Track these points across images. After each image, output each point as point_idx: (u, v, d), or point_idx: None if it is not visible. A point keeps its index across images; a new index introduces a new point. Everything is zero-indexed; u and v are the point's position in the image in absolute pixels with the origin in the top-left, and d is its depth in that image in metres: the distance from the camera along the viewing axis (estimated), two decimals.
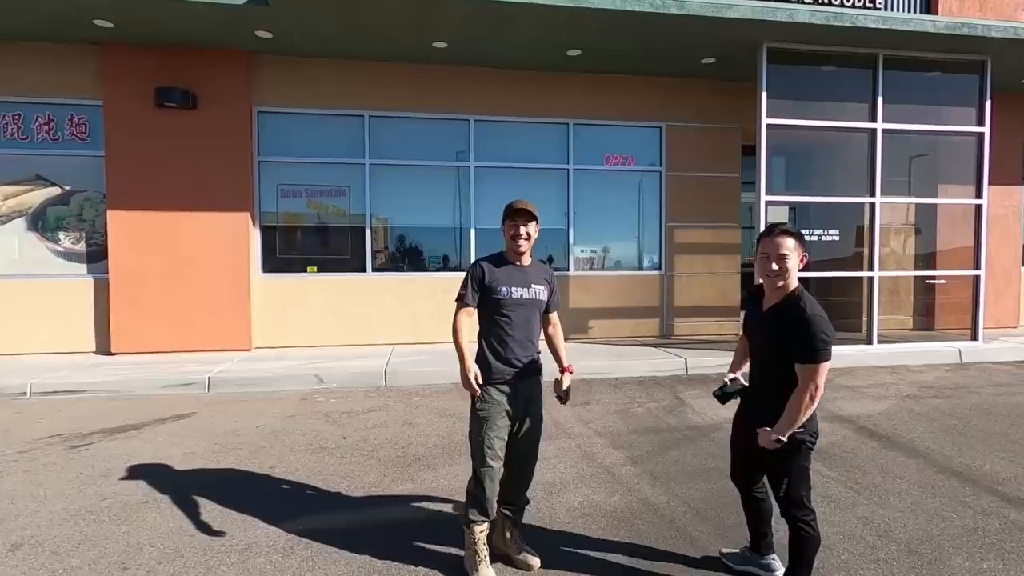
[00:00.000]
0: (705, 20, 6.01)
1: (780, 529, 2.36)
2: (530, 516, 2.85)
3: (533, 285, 2.49)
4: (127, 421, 4.59)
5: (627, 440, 4.16)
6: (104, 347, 6.75)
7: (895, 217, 8.40)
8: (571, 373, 2.65)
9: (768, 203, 6.69)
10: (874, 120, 6.88)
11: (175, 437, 4.20)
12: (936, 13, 7.70)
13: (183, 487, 3.33)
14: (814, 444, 2.16)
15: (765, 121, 6.59)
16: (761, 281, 2.21)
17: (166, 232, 6.70)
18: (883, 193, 6.96)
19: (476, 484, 2.42)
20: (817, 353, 1.96)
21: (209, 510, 3.04)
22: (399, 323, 7.44)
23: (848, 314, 8.11)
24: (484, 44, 6.77)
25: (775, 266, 2.06)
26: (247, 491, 3.29)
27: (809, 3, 6.33)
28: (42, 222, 6.77)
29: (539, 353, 2.58)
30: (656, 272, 8.17)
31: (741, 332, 2.53)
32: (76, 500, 3.16)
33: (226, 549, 2.64)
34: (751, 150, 7.57)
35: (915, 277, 8.64)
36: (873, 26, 6.13)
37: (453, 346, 2.46)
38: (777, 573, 2.41)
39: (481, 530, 2.43)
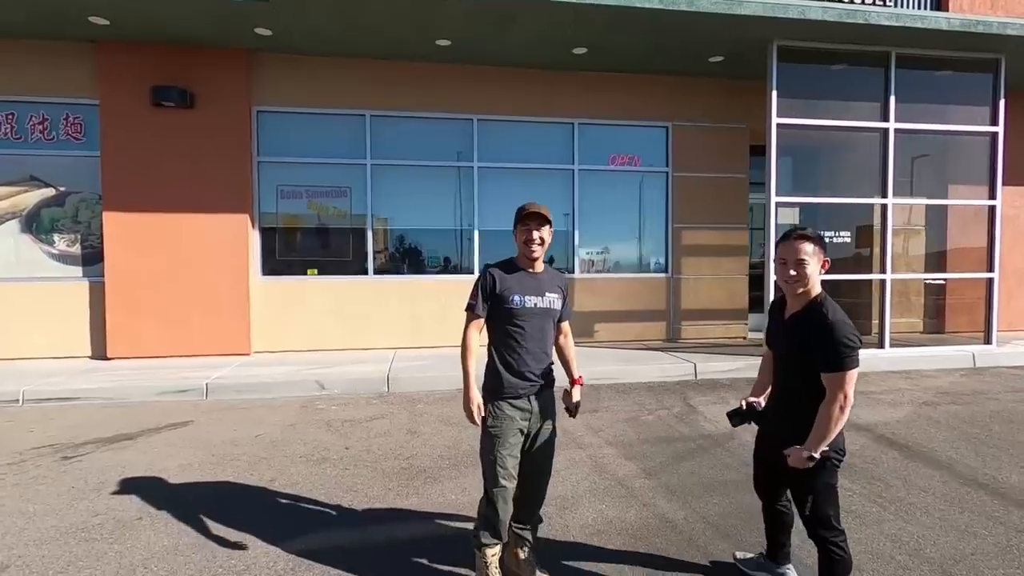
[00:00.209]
0: (715, 17, 5.87)
1: (796, 542, 2.23)
2: (542, 533, 2.71)
3: (547, 293, 2.35)
4: (122, 430, 4.44)
5: (639, 450, 4.03)
6: (100, 352, 6.60)
7: (899, 218, 8.26)
8: (581, 385, 2.52)
9: (778, 204, 6.55)
10: (886, 120, 6.74)
11: (171, 447, 4.06)
12: (947, 11, 7.57)
13: (179, 502, 3.19)
14: (840, 461, 2.04)
15: (775, 121, 6.46)
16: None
17: (163, 234, 6.56)
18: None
19: (488, 505, 2.28)
20: (842, 360, 1.86)
21: (206, 528, 2.89)
22: (401, 326, 7.30)
23: (857, 315, 8.00)
24: (487, 42, 6.64)
25: (793, 272, 1.97)
26: (245, 506, 3.15)
27: (821, 0, 6.18)
28: (36, 224, 6.62)
29: (553, 364, 2.44)
30: (663, 274, 8.03)
31: (764, 345, 2.41)
32: (67, 516, 3.02)
33: (223, 571, 2.50)
34: (759, 150, 7.45)
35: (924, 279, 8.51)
36: (886, 23, 6.00)
37: (457, 350, 2.36)
38: None
39: (493, 553, 2.30)
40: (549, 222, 2.32)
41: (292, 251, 7.30)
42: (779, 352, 2.18)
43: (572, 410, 2.51)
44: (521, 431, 2.30)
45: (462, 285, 6.93)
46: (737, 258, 8.15)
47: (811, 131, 6.83)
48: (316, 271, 7.24)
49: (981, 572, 2.51)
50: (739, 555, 2.56)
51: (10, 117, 6.49)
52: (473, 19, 6.00)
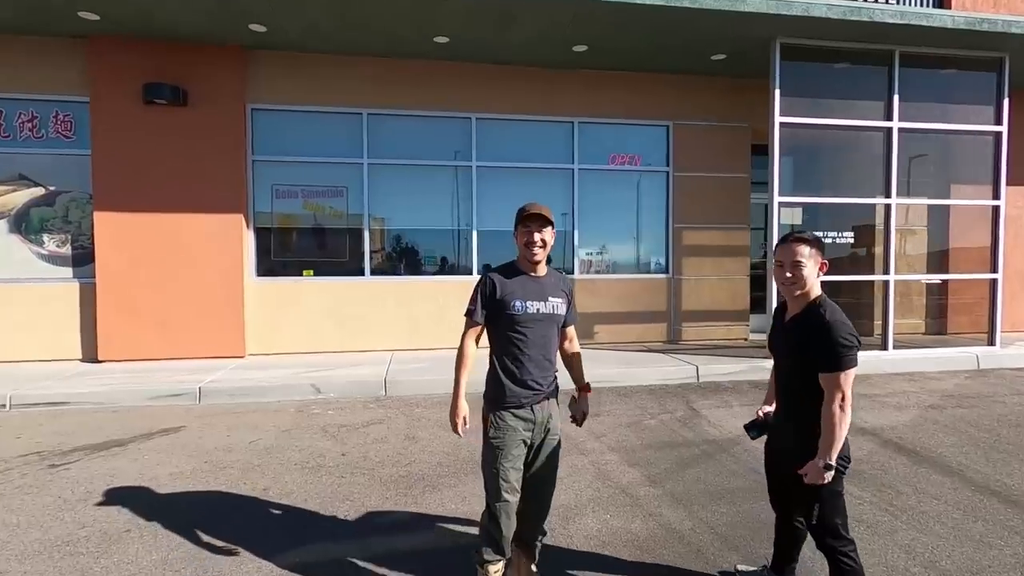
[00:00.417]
0: (718, 14, 5.78)
1: (806, 551, 2.14)
2: (545, 545, 2.62)
3: (551, 298, 2.25)
4: (112, 436, 4.33)
5: (643, 456, 3.94)
6: (91, 354, 6.47)
7: (897, 218, 8.18)
8: (589, 393, 2.42)
9: (781, 204, 6.47)
10: (890, 119, 6.67)
11: (162, 454, 3.95)
12: (950, 9, 7.49)
13: (169, 513, 3.08)
14: (846, 468, 2.01)
15: (778, 120, 6.38)
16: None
17: (155, 234, 6.43)
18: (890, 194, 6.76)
19: (491, 520, 2.18)
20: (840, 360, 1.84)
21: (197, 540, 2.79)
22: (398, 328, 7.19)
23: (859, 316, 7.93)
24: (486, 40, 6.53)
25: (789, 274, 1.98)
26: (238, 517, 3.05)
27: None
28: (25, 224, 6.48)
29: (556, 371, 2.34)
30: (663, 275, 7.94)
31: (767, 348, 2.36)
32: (52, 529, 2.91)
33: None
34: (760, 150, 7.37)
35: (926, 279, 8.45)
36: (891, 21, 5.92)
37: (454, 352, 2.26)
38: None
39: (496, 570, 2.20)
40: (551, 223, 2.22)
41: (287, 252, 7.18)
42: (780, 355, 2.15)
43: (579, 419, 2.41)
44: (524, 442, 2.21)
45: (460, 286, 6.86)
46: (738, 258, 8.07)
47: (812, 131, 6.76)
48: (312, 272, 7.13)
49: None
50: (741, 568, 2.50)
51: None
52: (474, 16, 5.90)
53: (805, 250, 1.96)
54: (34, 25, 6.05)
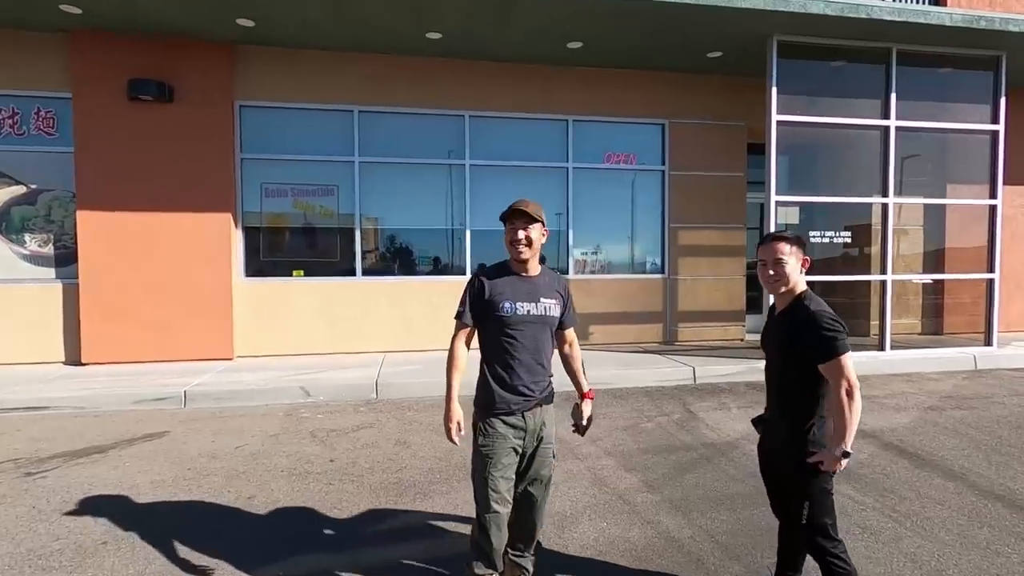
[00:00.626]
0: (715, 10, 5.70)
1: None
2: (540, 554, 2.51)
3: (543, 299, 2.14)
4: (93, 442, 4.19)
5: (640, 461, 3.84)
6: (74, 357, 6.31)
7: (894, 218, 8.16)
8: (592, 399, 2.32)
9: (778, 203, 6.40)
10: (887, 117, 6.62)
11: (144, 462, 3.81)
12: (946, 7, 7.46)
13: (148, 524, 2.96)
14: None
15: (775, 118, 6.31)
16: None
17: (141, 234, 6.28)
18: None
19: (480, 532, 2.08)
20: (833, 346, 1.87)
21: (176, 553, 2.66)
22: (391, 329, 7.07)
23: (855, 316, 7.88)
24: (480, 36, 6.42)
25: (772, 272, 2.02)
26: (221, 527, 2.93)
27: None
28: (6, 223, 6.31)
29: (551, 377, 2.24)
30: (659, 275, 7.86)
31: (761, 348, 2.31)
32: (24, 541, 2.78)
33: None
34: (756, 148, 7.31)
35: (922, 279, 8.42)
36: (889, 18, 5.86)
37: (447, 354, 2.18)
38: None
39: None
40: (537, 220, 2.12)
41: (277, 251, 7.04)
42: (771, 352, 2.14)
43: (581, 428, 2.30)
44: (515, 450, 2.10)
45: (454, 286, 6.73)
46: (734, 258, 8.00)
47: (808, 130, 6.70)
48: (302, 272, 6.99)
49: None
50: None
51: None
52: (468, 10, 5.77)
53: (786, 247, 1.99)
54: (15, 19, 5.89)
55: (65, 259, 6.37)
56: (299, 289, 6.92)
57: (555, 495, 3.25)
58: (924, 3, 7.61)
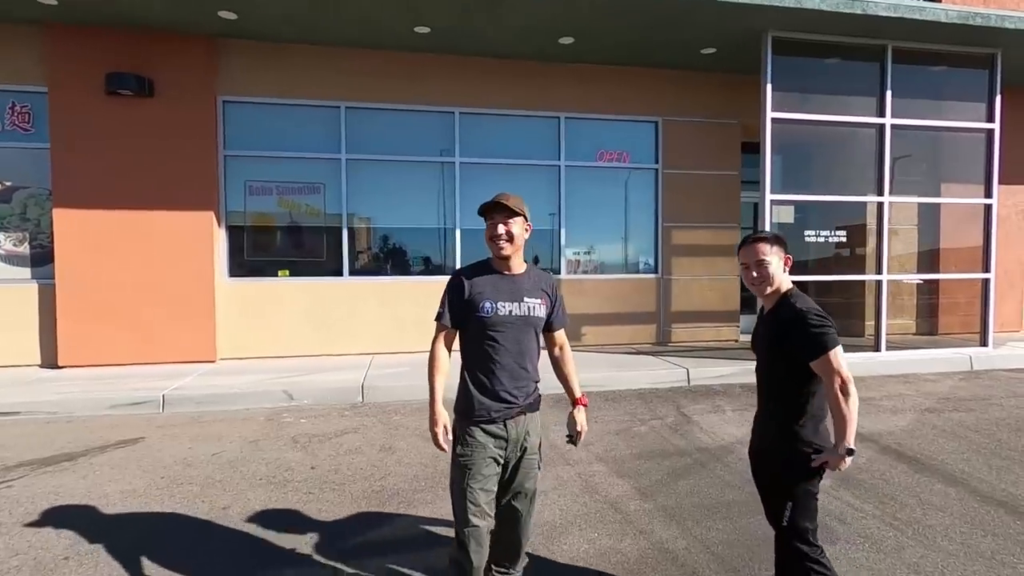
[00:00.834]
0: (710, 4, 5.59)
1: None
2: (527, 568, 2.38)
3: (527, 298, 2.01)
4: (63, 449, 4.01)
5: (633, 467, 3.72)
6: (50, 360, 6.11)
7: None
8: (585, 406, 2.18)
9: (773, 202, 6.31)
10: (882, 115, 6.54)
11: (115, 470, 3.65)
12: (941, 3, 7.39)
13: (115, 537, 2.80)
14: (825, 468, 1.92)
15: (770, 115, 6.21)
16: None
17: (120, 232, 6.09)
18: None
19: (459, 549, 1.94)
20: (822, 342, 1.82)
21: (142, 569, 2.51)
22: (379, 330, 6.91)
23: (849, 316, 7.81)
24: (470, 30, 6.28)
25: (755, 273, 1.99)
26: (192, 541, 2.77)
27: None
28: None
29: (537, 382, 2.10)
30: (652, 275, 7.75)
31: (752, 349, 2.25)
32: None
33: None
34: (750, 147, 7.21)
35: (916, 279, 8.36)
36: (884, 14, 5.78)
37: None
38: None
39: None
40: (519, 213, 1.98)
41: (262, 251, 6.87)
42: (760, 353, 2.10)
43: (574, 438, 2.17)
44: (496, 460, 1.97)
45: (444, 286, 6.58)
46: (728, 258, 7.89)
47: (803, 128, 6.62)
48: (288, 272, 6.82)
49: None
50: None
51: None
52: (458, 2, 5.62)
53: (767, 247, 1.97)
54: None
55: (41, 259, 6.18)
56: (285, 289, 6.75)
57: (544, 503, 3.13)
58: None
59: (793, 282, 2.04)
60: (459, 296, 1.99)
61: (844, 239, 6.93)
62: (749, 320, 7.85)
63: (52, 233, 6.04)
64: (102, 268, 6.05)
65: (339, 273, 6.92)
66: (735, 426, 4.46)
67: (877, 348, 6.68)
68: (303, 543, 2.76)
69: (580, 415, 2.15)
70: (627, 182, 7.79)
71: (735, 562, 2.60)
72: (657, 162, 7.72)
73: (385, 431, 4.43)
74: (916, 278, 8.18)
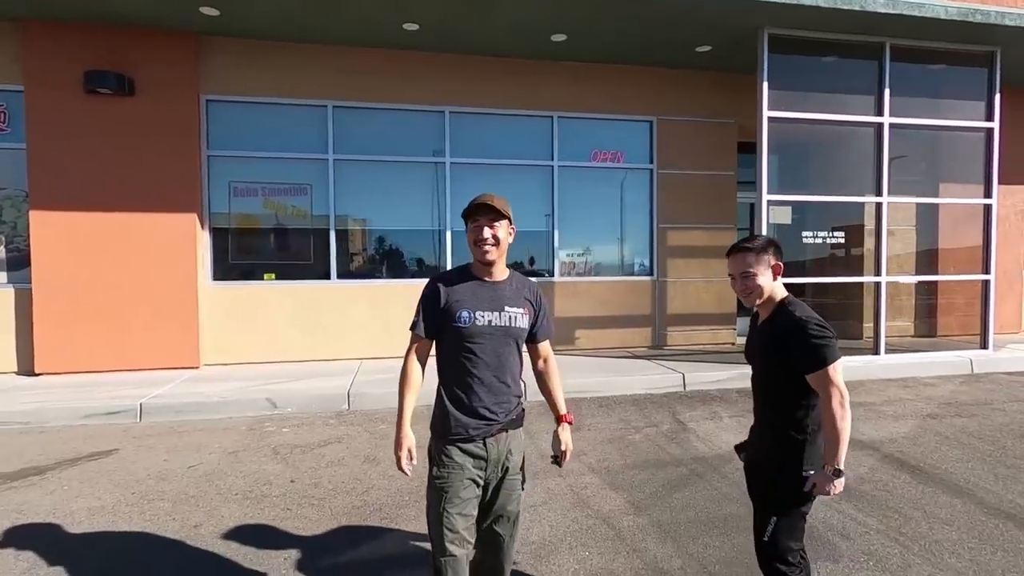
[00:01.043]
0: (705, 0, 5.47)
1: None
2: None
3: (507, 308, 1.86)
4: (31, 462, 3.84)
5: (626, 478, 3.57)
6: (27, 367, 5.93)
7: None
8: (570, 423, 2.03)
9: (770, 203, 6.18)
10: (880, 114, 6.42)
11: (84, 485, 3.48)
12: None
13: (77, 558, 2.64)
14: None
15: (766, 114, 6.09)
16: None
17: (99, 235, 5.91)
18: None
19: None
20: (822, 355, 1.74)
21: None
22: (368, 334, 6.74)
23: (846, 318, 7.69)
24: (460, 27, 6.14)
25: (741, 285, 1.93)
26: (159, 561, 2.62)
27: None
28: None
29: (519, 397, 1.94)
30: (647, 277, 7.61)
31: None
32: None
33: None
34: (746, 147, 7.08)
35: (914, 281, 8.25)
36: (882, 11, 5.66)
37: (430, 360, 1.93)
38: None
39: None
40: (505, 216, 1.83)
41: (247, 254, 6.70)
42: (756, 363, 2.03)
43: (559, 459, 2.01)
44: (475, 482, 1.82)
45: None
46: (725, 260, 7.74)
47: (800, 128, 6.51)
48: (274, 275, 6.65)
49: None
50: None
51: None
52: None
53: (751, 258, 1.88)
54: None
55: (17, 262, 5.99)
56: (271, 293, 6.58)
57: (533, 519, 2.98)
58: None
59: (791, 284, 1.92)
60: (435, 304, 1.84)
61: (842, 240, 6.82)
62: (746, 323, 7.67)
63: (28, 236, 5.85)
64: (81, 272, 5.87)
65: (327, 276, 6.75)
66: (732, 434, 4.32)
67: (876, 351, 6.56)
68: (278, 563, 2.60)
69: (565, 433, 1.99)
70: (622, 182, 7.66)
71: None
72: (652, 162, 7.59)
73: (370, 440, 4.27)
74: (917, 279, 8.07)
